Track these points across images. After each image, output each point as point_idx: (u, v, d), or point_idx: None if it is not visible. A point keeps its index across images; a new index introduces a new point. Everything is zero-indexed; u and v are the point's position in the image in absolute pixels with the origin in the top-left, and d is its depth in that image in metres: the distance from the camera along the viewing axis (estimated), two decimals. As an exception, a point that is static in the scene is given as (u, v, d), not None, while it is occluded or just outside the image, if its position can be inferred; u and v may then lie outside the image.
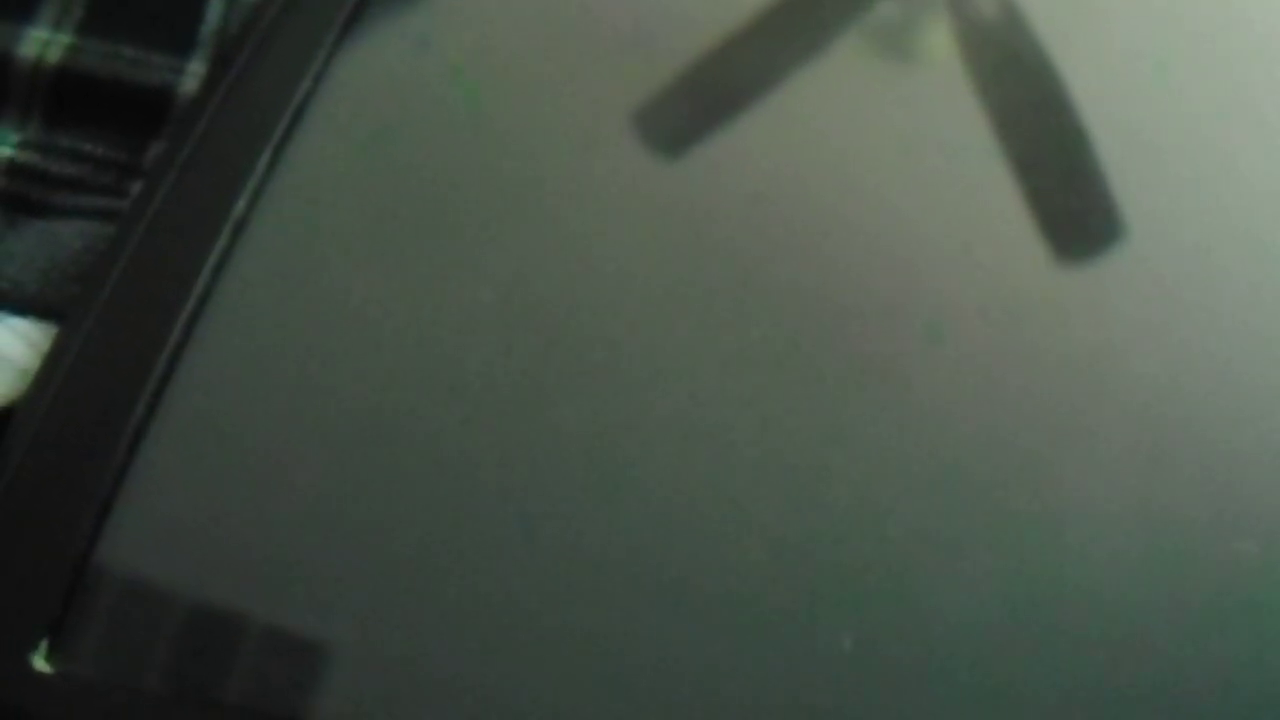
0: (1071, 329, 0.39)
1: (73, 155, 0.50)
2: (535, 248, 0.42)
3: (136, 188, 0.50)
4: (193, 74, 0.51)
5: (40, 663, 0.37)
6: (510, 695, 0.35)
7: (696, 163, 0.44)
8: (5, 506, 0.39)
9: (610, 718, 0.34)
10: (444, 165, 0.44)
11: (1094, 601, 0.34)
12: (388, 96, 0.46)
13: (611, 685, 0.35)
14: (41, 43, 0.51)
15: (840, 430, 0.38)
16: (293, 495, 0.39)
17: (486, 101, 0.45)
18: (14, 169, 0.50)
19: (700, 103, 0.45)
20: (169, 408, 0.40)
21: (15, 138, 0.51)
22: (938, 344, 0.39)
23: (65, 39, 0.51)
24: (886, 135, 0.44)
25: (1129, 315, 0.39)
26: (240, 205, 0.43)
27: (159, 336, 0.41)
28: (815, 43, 0.46)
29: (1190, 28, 0.45)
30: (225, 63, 0.46)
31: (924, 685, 0.34)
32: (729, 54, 0.46)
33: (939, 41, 0.46)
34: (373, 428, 0.40)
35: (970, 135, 0.43)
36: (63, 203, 0.50)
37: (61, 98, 0.51)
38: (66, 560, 0.38)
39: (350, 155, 0.44)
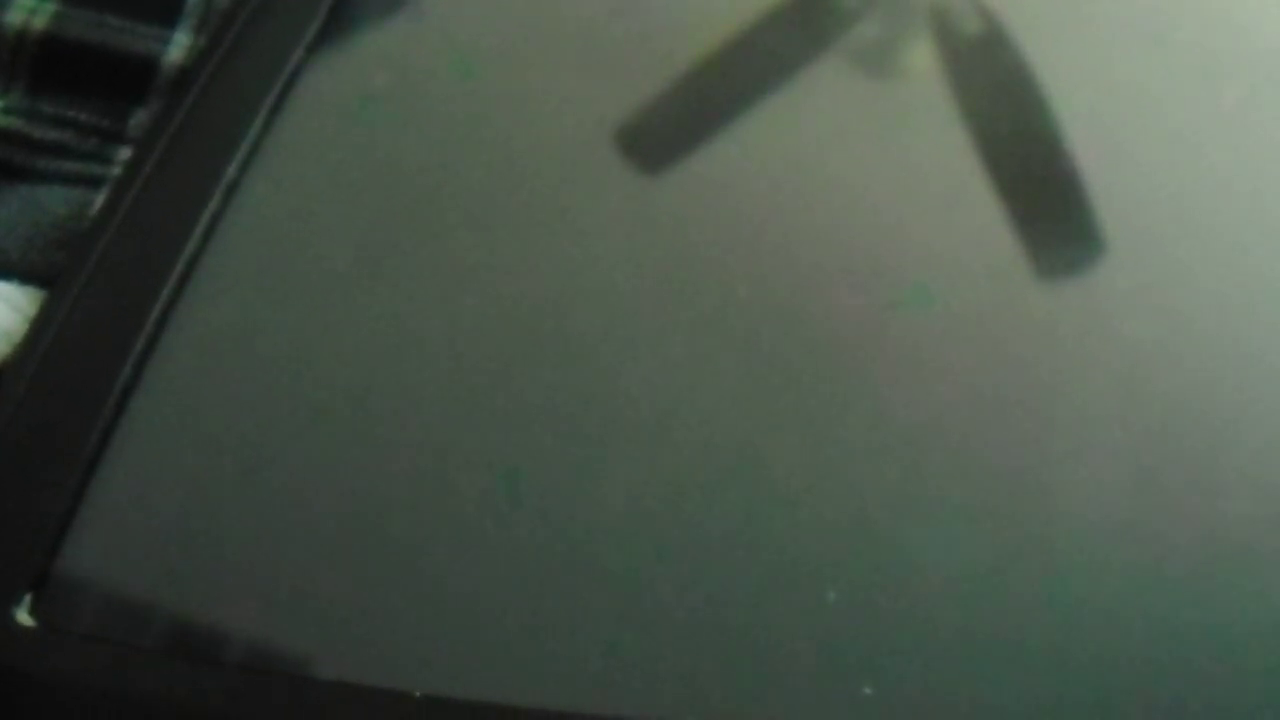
0: (1055, 327, 0.40)
1: (56, 121, 0.51)
2: (520, 235, 0.43)
3: (120, 154, 0.50)
4: (178, 43, 0.51)
5: (24, 616, 0.37)
6: (496, 647, 0.36)
7: (679, 177, 0.44)
8: (-8, 462, 0.40)
9: (600, 675, 0.35)
10: (432, 141, 0.45)
11: (1084, 567, 0.35)
12: (379, 69, 0.46)
13: (601, 644, 0.36)
14: (27, 10, 0.51)
15: (818, 422, 0.39)
16: (275, 458, 0.39)
17: (478, 78, 0.46)
18: (-3, 134, 0.50)
19: (684, 118, 0.45)
20: (155, 370, 0.41)
21: (-1, 103, 0.51)
22: (923, 337, 0.40)
23: (51, 6, 0.51)
24: (869, 151, 0.44)
25: (1112, 314, 0.40)
26: (231, 171, 0.43)
27: (147, 300, 0.41)
28: (800, 59, 0.47)
29: (1173, 43, 0.46)
30: (220, 31, 0.47)
31: (909, 638, 0.35)
32: (714, 69, 0.46)
33: (921, 58, 0.47)
34: (355, 396, 0.40)
35: (952, 151, 0.44)
36: (46, 168, 0.50)
37: (46, 64, 0.51)
38: (51, 516, 0.38)
39: (341, 126, 0.45)
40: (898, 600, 0.35)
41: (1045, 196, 0.43)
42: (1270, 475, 0.36)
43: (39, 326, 0.42)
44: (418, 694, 0.35)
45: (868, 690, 0.34)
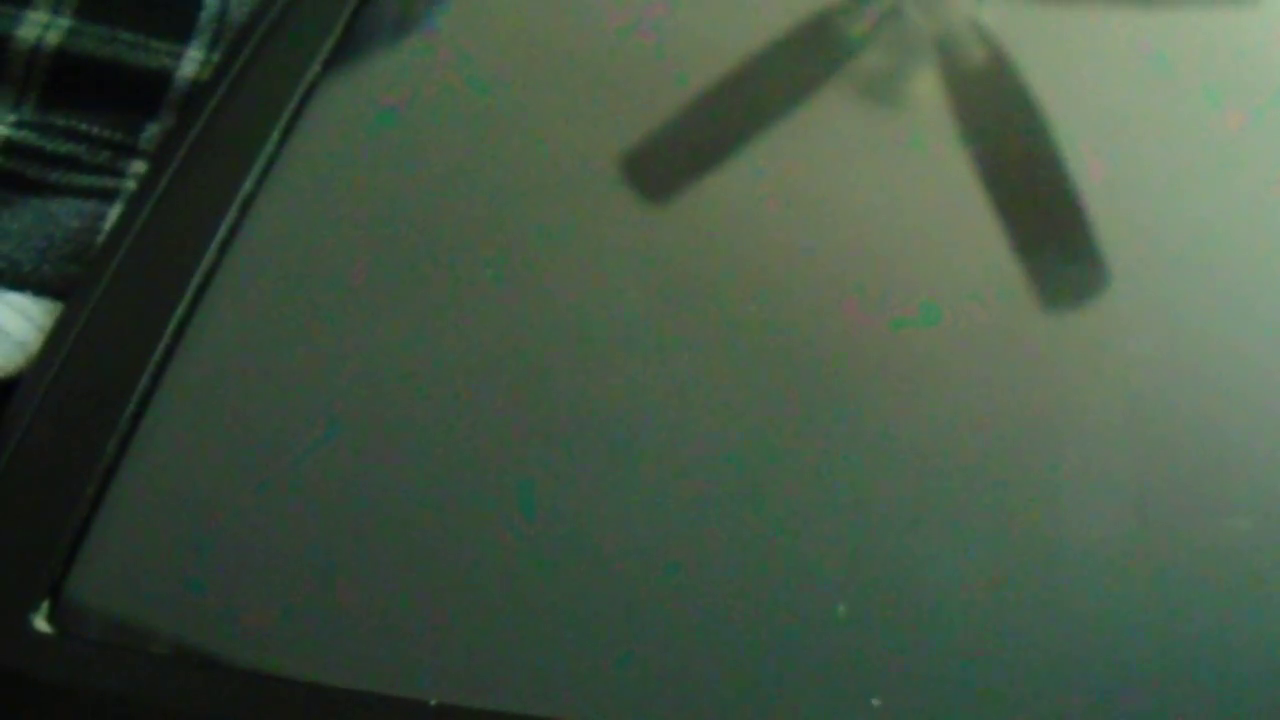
0: (1061, 345, 0.41)
1: (69, 134, 0.51)
2: (532, 252, 0.43)
3: (132, 167, 0.51)
4: (191, 59, 0.51)
5: (41, 623, 0.38)
6: (509, 657, 0.36)
7: (690, 199, 0.45)
8: (10, 471, 0.40)
9: (611, 686, 0.36)
10: (446, 158, 0.46)
11: (1091, 582, 0.36)
12: (394, 86, 0.47)
13: (612, 654, 0.36)
14: (41, 25, 0.52)
15: (828, 437, 0.39)
16: (288, 470, 0.40)
17: (491, 97, 0.47)
18: (10, 147, 0.51)
19: (695, 142, 0.46)
20: (170, 383, 0.41)
21: (11, 117, 0.51)
22: (932, 354, 0.40)
23: (64, 22, 0.52)
24: (877, 176, 0.45)
25: (1116, 333, 0.41)
26: (247, 186, 0.44)
27: (164, 312, 0.42)
28: (808, 87, 0.48)
29: (1174, 69, 0.47)
30: (236, 46, 0.47)
31: (917, 651, 0.35)
32: (725, 94, 0.47)
33: (927, 86, 0.48)
34: (368, 410, 0.41)
35: (959, 176, 0.44)
36: (59, 181, 0.50)
37: (59, 79, 0.52)
38: (68, 525, 0.39)
39: (356, 142, 0.46)
40: (906, 613, 0.36)
41: (1049, 219, 0.44)
42: (1272, 493, 0.37)
43: (55, 338, 0.42)
44: (432, 702, 0.35)
45: (876, 702, 0.34)
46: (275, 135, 0.45)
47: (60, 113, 0.51)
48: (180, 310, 0.42)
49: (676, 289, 0.43)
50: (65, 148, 0.51)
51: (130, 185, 0.50)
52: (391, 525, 0.38)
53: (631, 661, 0.36)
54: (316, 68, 0.46)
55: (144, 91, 0.51)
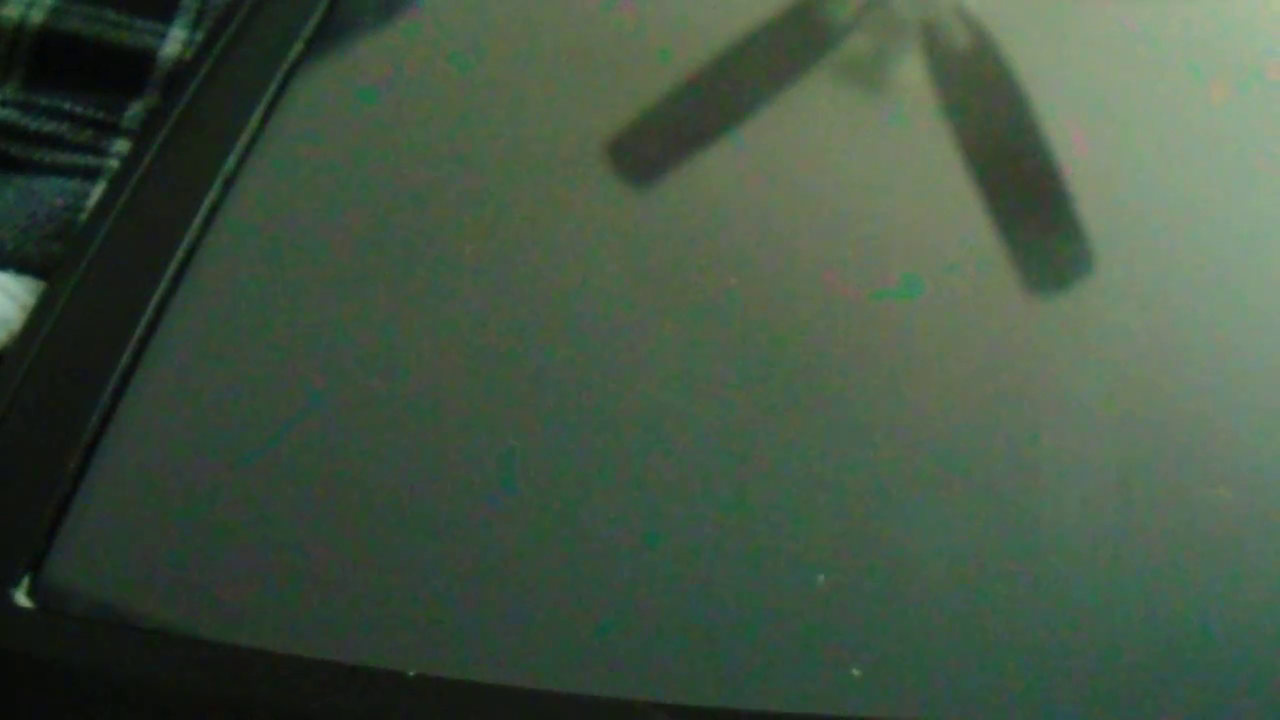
0: (1041, 318, 0.41)
1: (52, 113, 0.51)
2: (513, 230, 0.43)
3: (115, 146, 0.51)
4: (174, 38, 0.51)
5: (22, 598, 0.38)
6: (488, 629, 0.36)
7: (674, 181, 0.45)
8: (-8, 445, 0.40)
9: (591, 656, 0.36)
10: (429, 137, 0.46)
11: (1070, 551, 0.36)
12: (377, 65, 0.47)
13: (592, 625, 0.36)
14: (25, 4, 0.52)
15: (809, 409, 0.40)
16: (269, 444, 0.40)
17: (475, 76, 0.47)
18: (-7, 125, 0.51)
19: (680, 125, 0.46)
20: (152, 359, 0.41)
21: (-5, 95, 0.52)
22: (909, 330, 0.41)
23: (49, 1, 0.52)
24: (861, 157, 0.45)
25: (1096, 307, 0.41)
26: (229, 164, 0.44)
27: (146, 289, 0.42)
28: (794, 71, 0.48)
29: (1156, 53, 0.48)
30: (220, 25, 0.47)
31: (896, 622, 0.35)
32: (710, 78, 0.47)
33: (912, 69, 0.48)
34: (348, 385, 0.41)
35: (942, 157, 0.45)
36: (42, 159, 0.50)
37: (43, 57, 0.52)
38: (49, 500, 0.39)
39: (338, 121, 0.46)
40: (886, 584, 0.36)
41: (1034, 197, 0.44)
42: (1254, 463, 0.37)
43: (38, 316, 0.42)
44: (410, 673, 0.35)
45: (856, 672, 0.34)
46: (258, 114, 0.45)
47: (44, 91, 0.51)
48: (162, 288, 0.42)
49: (660, 267, 0.43)
50: (49, 126, 0.51)
51: (113, 164, 0.50)
52: (369, 499, 0.38)
53: (608, 631, 0.36)
54: (300, 47, 0.46)
55: (127, 70, 0.51)
